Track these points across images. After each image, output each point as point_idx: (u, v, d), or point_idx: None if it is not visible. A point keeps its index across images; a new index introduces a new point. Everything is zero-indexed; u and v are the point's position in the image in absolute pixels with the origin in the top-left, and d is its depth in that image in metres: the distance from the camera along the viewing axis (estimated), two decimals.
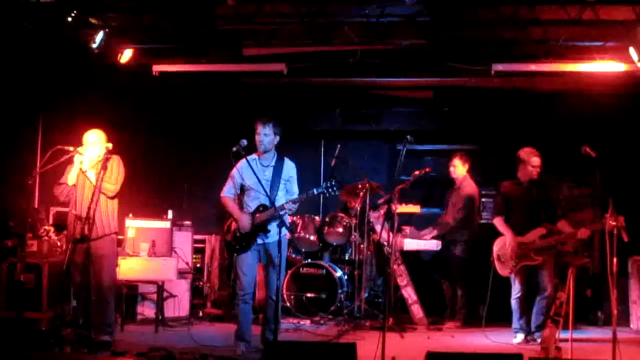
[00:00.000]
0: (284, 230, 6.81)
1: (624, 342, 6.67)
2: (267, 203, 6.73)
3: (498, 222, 7.92)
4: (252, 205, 6.84)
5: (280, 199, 6.75)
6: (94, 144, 6.92)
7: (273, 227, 6.76)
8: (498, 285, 7.97)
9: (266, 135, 6.76)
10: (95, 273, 6.83)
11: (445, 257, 8.93)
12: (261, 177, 6.71)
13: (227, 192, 6.95)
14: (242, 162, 6.84)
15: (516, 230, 7.73)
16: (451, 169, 8.97)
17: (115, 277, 7.29)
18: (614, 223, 6.50)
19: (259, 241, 6.79)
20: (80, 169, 6.88)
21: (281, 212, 6.67)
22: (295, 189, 6.96)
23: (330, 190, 6.68)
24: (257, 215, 6.75)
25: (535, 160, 7.77)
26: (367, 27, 8.23)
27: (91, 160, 6.91)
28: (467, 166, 8.94)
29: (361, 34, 8.42)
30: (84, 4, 7.99)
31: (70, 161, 6.93)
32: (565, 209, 9.29)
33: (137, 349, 6.92)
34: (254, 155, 6.84)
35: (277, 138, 6.84)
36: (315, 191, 6.72)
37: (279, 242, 6.76)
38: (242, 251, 6.81)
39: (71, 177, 6.92)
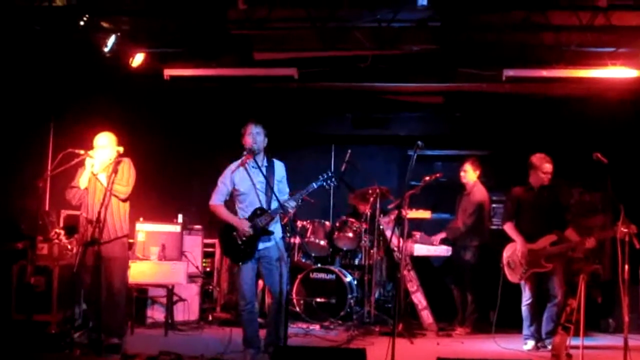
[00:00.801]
0: (280, 232, 6.80)
1: (635, 349, 6.64)
2: (265, 206, 6.71)
3: (509, 228, 7.89)
4: (247, 210, 6.76)
5: (276, 200, 6.68)
6: (105, 147, 6.94)
7: (273, 230, 6.74)
8: (509, 291, 7.94)
9: (258, 134, 6.73)
10: (106, 276, 6.84)
11: (456, 262, 8.88)
12: (256, 181, 6.74)
13: (217, 200, 6.86)
14: (233, 167, 6.84)
15: (526, 236, 7.71)
16: (462, 174, 8.92)
17: (126, 280, 7.31)
18: (625, 230, 6.48)
19: (261, 246, 6.72)
20: (92, 172, 6.90)
21: (280, 213, 6.66)
22: (287, 189, 6.94)
23: (328, 182, 6.66)
24: (257, 219, 6.69)
25: (547, 167, 7.74)
26: (378, 32, 8.22)
27: (102, 163, 6.94)
28: (477, 172, 8.91)
29: (372, 39, 8.42)
30: (96, 8, 8.02)
31: (81, 164, 6.95)
32: (576, 215, 9.25)
33: (147, 352, 6.94)
34: (244, 160, 6.77)
35: (266, 140, 6.82)
36: (314, 185, 6.69)
37: (278, 244, 6.74)
38: (245, 259, 6.72)
39: (83, 180, 6.94)
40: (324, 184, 6.70)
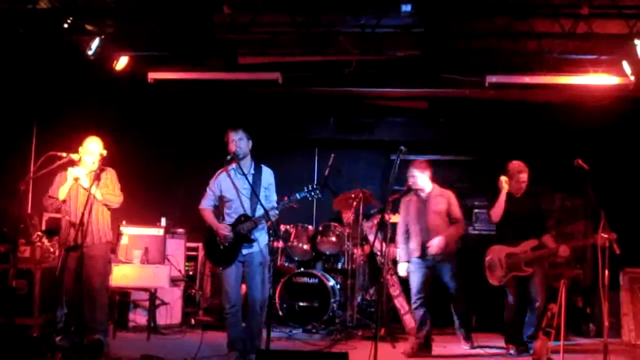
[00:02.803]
0: (265, 239, 6.77)
1: (615, 353, 6.70)
2: (249, 212, 6.70)
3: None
4: (233, 215, 6.77)
5: (261, 208, 6.62)
6: (93, 153, 6.98)
7: (256, 237, 6.72)
8: (490, 295, 7.97)
9: (240, 139, 6.70)
10: (87, 275, 6.88)
11: (434, 272, 7.93)
12: (240, 187, 6.73)
13: (206, 204, 6.89)
14: (220, 173, 6.84)
15: (507, 242, 7.76)
16: (411, 180, 7.88)
17: (107, 280, 7.39)
18: (606, 236, 6.54)
19: (244, 252, 6.72)
20: (75, 180, 6.93)
21: (262, 221, 6.65)
22: (274, 196, 6.89)
23: (312, 194, 6.66)
24: (240, 226, 6.69)
25: (522, 177, 7.77)
26: (363, 37, 8.25)
27: (86, 164, 6.99)
28: (428, 172, 7.94)
29: (356, 44, 8.45)
30: (81, 11, 8.00)
31: (62, 168, 6.98)
32: (558, 221, 9.34)
33: (129, 356, 6.94)
34: (233, 166, 6.77)
35: (250, 143, 6.80)
36: (297, 196, 6.69)
37: (262, 251, 6.72)
38: (227, 264, 6.73)
39: (62, 191, 6.97)
40: (308, 195, 6.69)
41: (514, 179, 7.79)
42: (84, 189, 6.94)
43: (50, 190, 7.09)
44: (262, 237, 6.77)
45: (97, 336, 6.94)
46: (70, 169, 6.96)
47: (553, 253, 7.68)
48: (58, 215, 7.30)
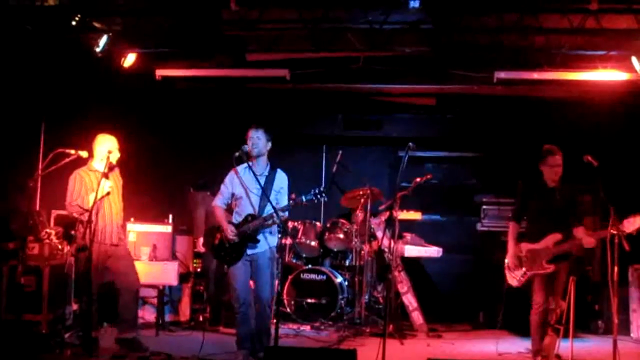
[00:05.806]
0: (274, 240, 6.78)
1: (624, 351, 6.67)
2: (257, 212, 6.70)
3: (510, 228, 7.18)
4: (241, 215, 6.77)
5: (270, 209, 6.60)
6: (111, 151, 7.11)
7: (262, 237, 6.71)
8: (510, 292, 7.81)
9: (259, 139, 6.68)
10: (130, 272, 7.29)
11: None
12: (251, 187, 6.72)
13: (218, 202, 6.89)
14: (233, 171, 6.84)
15: (537, 237, 6.98)
16: None
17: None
18: (615, 232, 6.49)
19: (249, 252, 6.71)
20: (108, 194, 7.07)
21: (269, 222, 6.64)
22: (284, 201, 6.85)
23: (318, 197, 6.62)
24: (245, 225, 6.68)
25: (554, 160, 7.07)
26: (371, 33, 8.23)
27: (97, 160, 7.18)
28: None
29: (364, 41, 8.43)
30: (88, 8, 8.01)
31: (71, 167, 7.04)
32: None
33: (137, 353, 6.94)
34: (246, 164, 6.75)
35: (269, 144, 6.78)
36: (303, 198, 6.66)
37: (271, 250, 6.73)
38: (232, 263, 6.74)
39: (92, 201, 6.96)
40: (314, 198, 6.63)
41: (547, 163, 7.08)
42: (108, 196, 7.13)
43: (71, 197, 7.11)
44: (271, 238, 6.77)
45: (132, 334, 7.19)
46: (104, 181, 6.97)
47: (577, 245, 6.87)
48: (65, 212, 7.38)
